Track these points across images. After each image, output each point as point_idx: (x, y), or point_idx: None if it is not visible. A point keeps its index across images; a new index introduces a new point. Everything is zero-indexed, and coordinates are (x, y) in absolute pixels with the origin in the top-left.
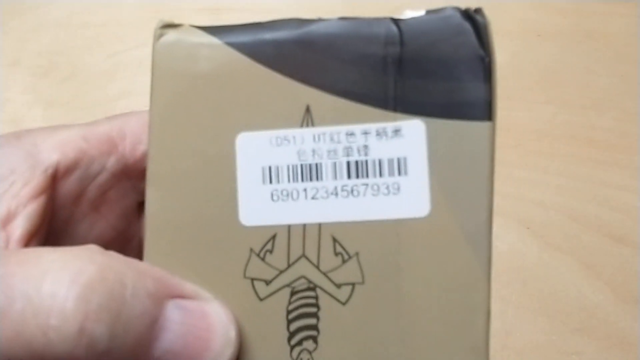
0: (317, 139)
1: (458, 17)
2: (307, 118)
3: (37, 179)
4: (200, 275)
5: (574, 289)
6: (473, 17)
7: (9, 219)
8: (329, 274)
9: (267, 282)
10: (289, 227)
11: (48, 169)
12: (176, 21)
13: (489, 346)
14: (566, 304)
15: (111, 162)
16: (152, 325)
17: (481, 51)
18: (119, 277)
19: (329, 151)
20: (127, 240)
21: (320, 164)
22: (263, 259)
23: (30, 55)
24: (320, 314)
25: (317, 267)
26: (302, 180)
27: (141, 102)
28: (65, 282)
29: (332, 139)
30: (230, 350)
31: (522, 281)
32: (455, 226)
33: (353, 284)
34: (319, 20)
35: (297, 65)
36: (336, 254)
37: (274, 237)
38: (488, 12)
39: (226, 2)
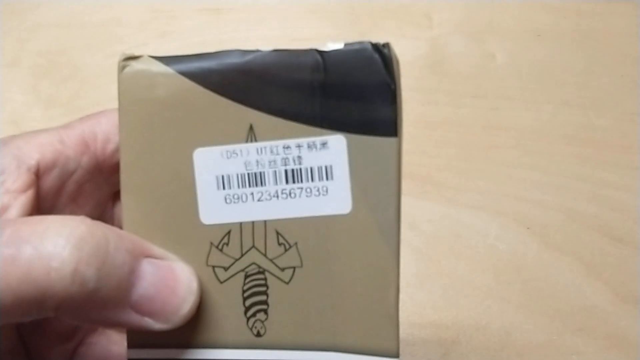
0: (259, 151)
1: (369, 50)
2: (251, 135)
3: (23, 176)
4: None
5: (574, 289)
6: (381, 51)
7: (3, 209)
8: (275, 260)
9: (225, 269)
10: (240, 224)
11: (31, 168)
12: (136, 53)
13: (399, 314)
14: (566, 304)
15: (85, 160)
16: (130, 273)
17: (388, 79)
18: (104, 234)
19: (269, 161)
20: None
21: (263, 172)
22: (221, 250)
23: (30, 55)
24: (269, 292)
25: (265, 255)
26: (249, 186)
27: None
28: (64, 235)
29: (272, 152)
30: (192, 297)
31: (522, 281)
32: (371, 221)
33: (294, 267)
34: (257, 51)
35: (240, 90)
36: (279, 244)
37: (229, 233)
38: (489, 12)
39: (226, 2)
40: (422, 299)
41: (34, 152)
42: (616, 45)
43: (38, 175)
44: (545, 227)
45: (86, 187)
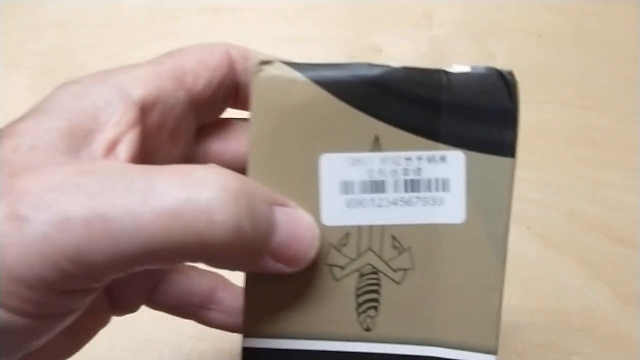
0: (382, 161)
1: (495, 76)
2: (376, 145)
3: (131, 111)
4: None
5: (574, 289)
6: (506, 77)
7: (114, 143)
8: (388, 262)
9: (342, 268)
10: (359, 227)
11: (137, 103)
12: (266, 57)
13: (501, 315)
14: (566, 304)
15: (181, 96)
16: (270, 224)
17: (510, 105)
18: (250, 187)
19: (391, 171)
20: (190, 162)
21: (385, 180)
22: (339, 251)
23: (30, 55)
24: (381, 291)
25: (380, 257)
26: (371, 192)
27: None
28: (221, 191)
29: (394, 162)
30: (317, 242)
31: (522, 281)
32: (482, 232)
33: (406, 269)
34: (387, 66)
35: (369, 102)
36: (394, 247)
37: (348, 235)
38: (489, 12)
39: (226, 2)
40: None
41: (138, 87)
42: (616, 45)
43: (143, 110)
44: (545, 227)
45: (182, 123)
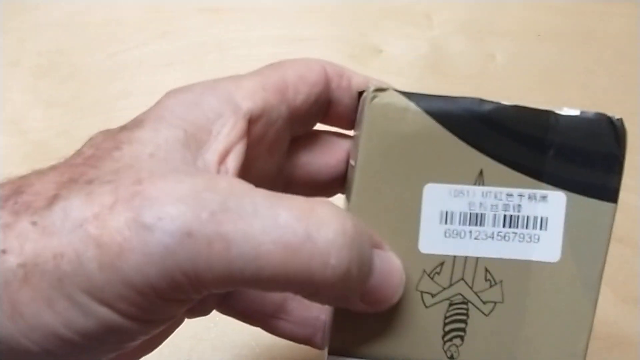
0: (484, 195)
1: (604, 122)
2: (480, 178)
3: (241, 123)
4: None
5: None
6: (615, 124)
7: (225, 154)
8: (479, 294)
9: (433, 295)
10: (454, 257)
11: (246, 115)
12: (380, 85)
13: (586, 355)
14: None
15: (284, 109)
16: (370, 268)
17: (618, 151)
18: (361, 232)
19: (492, 205)
20: (281, 173)
21: (484, 214)
22: (432, 278)
23: (30, 55)
24: (469, 321)
25: (471, 288)
26: (470, 224)
27: (141, 102)
28: (340, 235)
29: (495, 197)
30: (402, 288)
31: None
32: (575, 272)
33: (495, 302)
34: (498, 103)
35: (476, 136)
36: (486, 280)
37: (442, 264)
38: (489, 12)
39: (226, 2)
40: None
41: (247, 99)
42: (616, 45)
43: (250, 122)
44: None
45: (281, 136)
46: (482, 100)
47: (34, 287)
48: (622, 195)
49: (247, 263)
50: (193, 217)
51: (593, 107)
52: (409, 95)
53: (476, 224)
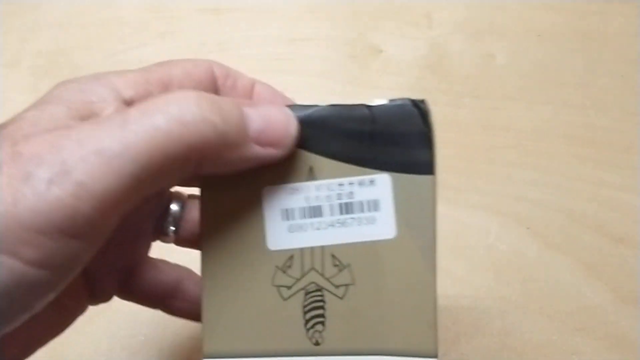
0: (317, 188)
1: (409, 106)
2: (311, 175)
3: (123, 108)
4: (241, 284)
5: (574, 289)
6: (419, 106)
7: None
8: (331, 279)
9: (289, 287)
10: (301, 250)
11: (128, 101)
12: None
13: (437, 320)
14: (566, 304)
15: None
16: (241, 116)
17: (425, 128)
18: (211, 95)
19: (326, 196)
20: None
21: (321, 205)
22: (285, 272)
23: (30, 55)
24: (326, 306)
25: (322, 275)
26: (309, 217)
27: None
28: (182, 98)
29: (328, 188)
30: (293, 119)
31: (522, 281)
32: (413, 244)
33: (347, 285)
34: (316, 105)
35: (303, 138)
36: (334, 265)
37: (292, 257)
38: (489, 12)
39: (226, 2)
40: None
41: (129, 88)
42: (616, 45)
43: None
44: (545, 227)
45: None
46: (305, 106)
47: None
48: (622, 195)
49: (123, 158)
50: (66, 152)
51: (593, 107)
52: None
53: (315, 216)
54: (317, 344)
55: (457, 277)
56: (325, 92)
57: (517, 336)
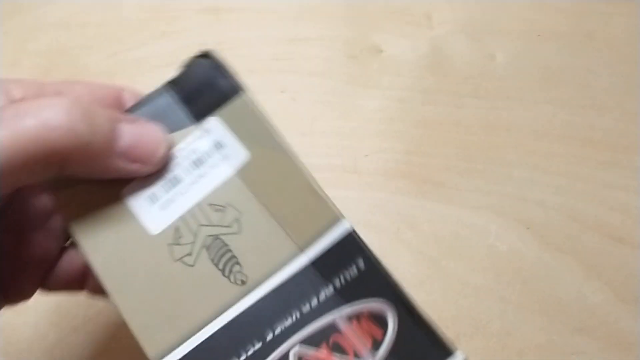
0: (168, 163)
1: (196, 59)
2: None
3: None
4: (146, 278)
5: (574, 289)
6: (204, 55)
7: None
8: (219, 223)
9: (190, 254)
10: (181, 217)
11: (16, 98)
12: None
13: (324, 192)
14: (566, 304)
15: None
16: (112, 130)
17: (215, 65)
18: (87, 105)
19: (177, 164)
20: None
21: (175, 174)
22: (179, 244)
23: (30, 55)
24: (231, 247)
25: (211, 224)
26: (172, 188)
27: None
28: (56, 105)
29: (175, 157)
30: (165, 141)
31: (522, 281)
32: (268, 153)
33: (236, 219)
34: (150, 96)
35: None
36: (217, 211)
37: (177, 229)
38: (489, 12)
39: (226, 2)
40: (422, 299)
41: (20, 91)
42: (616, 45)
43: None
44: (545, 227)
45: None
46: (143, 100)
47: None
48: (622, 195)
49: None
50: None
51: (593, 107)
52: None
53: (176, 185)
54: (243, 282)
55: (457, 277)
56: (325, 92)
57: (517, 336)
